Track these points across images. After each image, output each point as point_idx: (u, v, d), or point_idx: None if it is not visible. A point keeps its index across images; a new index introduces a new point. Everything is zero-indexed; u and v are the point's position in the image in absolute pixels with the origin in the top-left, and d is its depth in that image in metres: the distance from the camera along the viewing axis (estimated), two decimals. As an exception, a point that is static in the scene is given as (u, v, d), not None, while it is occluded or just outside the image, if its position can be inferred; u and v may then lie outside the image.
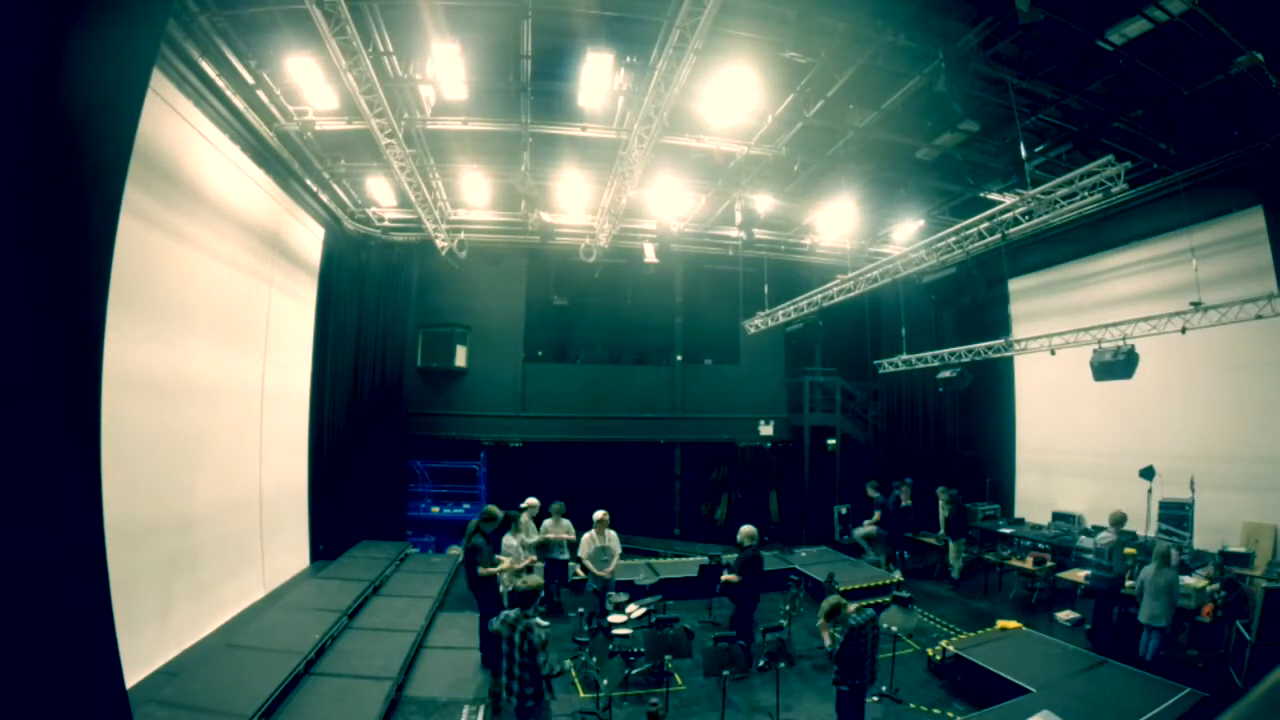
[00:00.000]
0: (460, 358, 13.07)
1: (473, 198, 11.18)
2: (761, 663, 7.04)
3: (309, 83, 7.31)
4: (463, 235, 11.84)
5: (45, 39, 2.20)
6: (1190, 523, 8.88)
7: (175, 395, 6.65)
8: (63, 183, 2.44)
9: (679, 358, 14.31)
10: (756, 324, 12.78)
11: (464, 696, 6.16)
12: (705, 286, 14.29)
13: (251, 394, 8.65)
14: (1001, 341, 10.23)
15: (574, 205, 11.26)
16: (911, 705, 6.59)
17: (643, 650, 6.64)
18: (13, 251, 2.24)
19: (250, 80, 7.30)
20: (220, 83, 6.85)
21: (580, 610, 8.07)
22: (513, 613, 5.04)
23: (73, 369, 2.63)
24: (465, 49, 6.91)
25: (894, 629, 6.99)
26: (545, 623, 5.42)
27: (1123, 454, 10.16)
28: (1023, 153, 7.72)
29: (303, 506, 10.68)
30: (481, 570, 7.01)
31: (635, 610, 7.66)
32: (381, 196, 11.22)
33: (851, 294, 10.42)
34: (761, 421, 14.45)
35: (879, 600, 9.53)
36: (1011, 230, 7.51)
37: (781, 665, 6.46)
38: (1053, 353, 9.07)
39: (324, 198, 10.27)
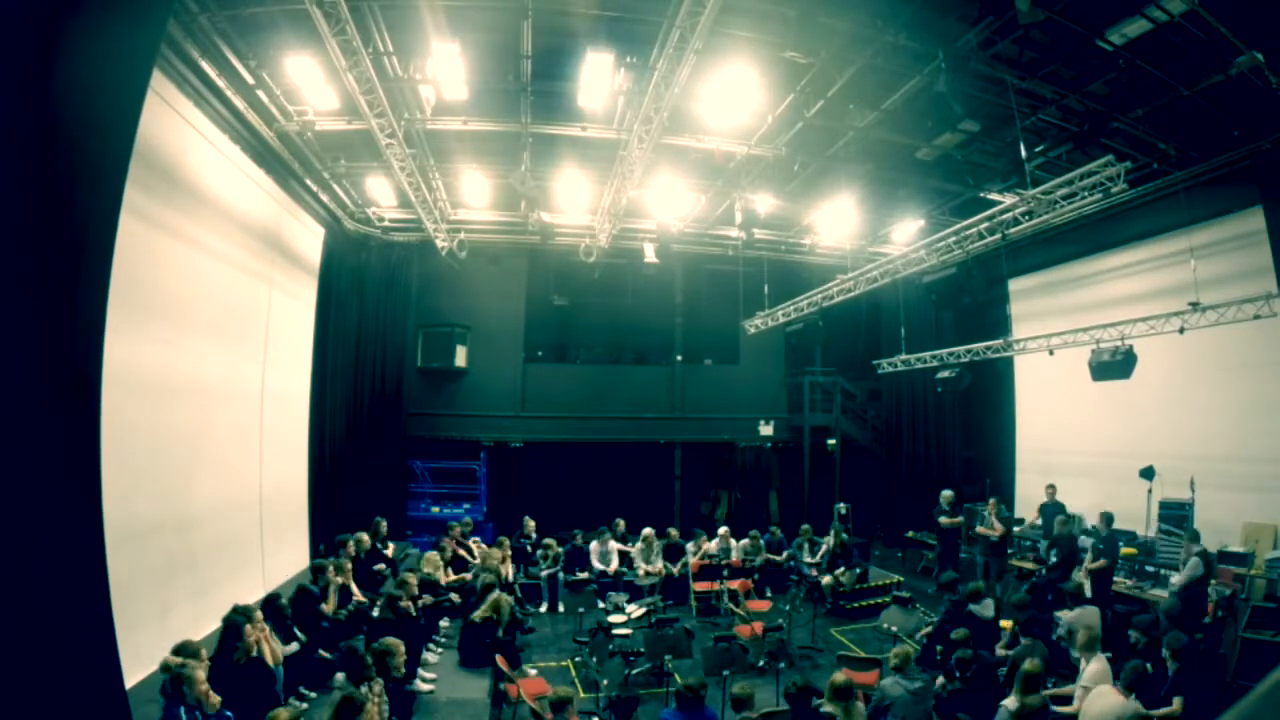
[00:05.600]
0: (460, 358, 13.07)
1: (473, 198, 11.18)
2: (761, 662, 7.04)
3: (309, 83, 7.30)
4: (463, 235, 11.84)
5: (46, 40, 2.20)
6: (1190, 523, 8.85)
7: (175, 395, 6.64)
8: (63, 183, 2.44)
9: (679, 358, 14.30)
10: (756, 324, 12.78)
11: (464, 696, 6.16)
12: (705, 286, 14.28)
13: (251, 394, 8.64)
14: (1000, 342, 10.24)
15: (574, 205, 11.25)
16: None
17: (643, 650, 6.64)
18: (13, 252, 2.24)
19: (250, 80, 7.30)
20: (220, 83, 6.84)
21: (581, 610, 8.08)
22: None
23: (73, 369, 2.63)
24: (465, 49, 6.90)
25: (893, 629, 7.00)
26: None
27: (1123, 454, 10.14)
28: (1023, 153, 7.71)
29: (303, 506, 10.66)
30: None
31: (635, 610, 7.66)
32: (381, 196, 11.21)
33: (851, 294, 10.41)
34: (761, 421, 14.45)
35: (879, 600, 9.58)
36: (1011, 230, 7.51)
37: (781, 665, 6.46)
38: (1051, 353, 9.07)
39: (324, 198, 10.26)
